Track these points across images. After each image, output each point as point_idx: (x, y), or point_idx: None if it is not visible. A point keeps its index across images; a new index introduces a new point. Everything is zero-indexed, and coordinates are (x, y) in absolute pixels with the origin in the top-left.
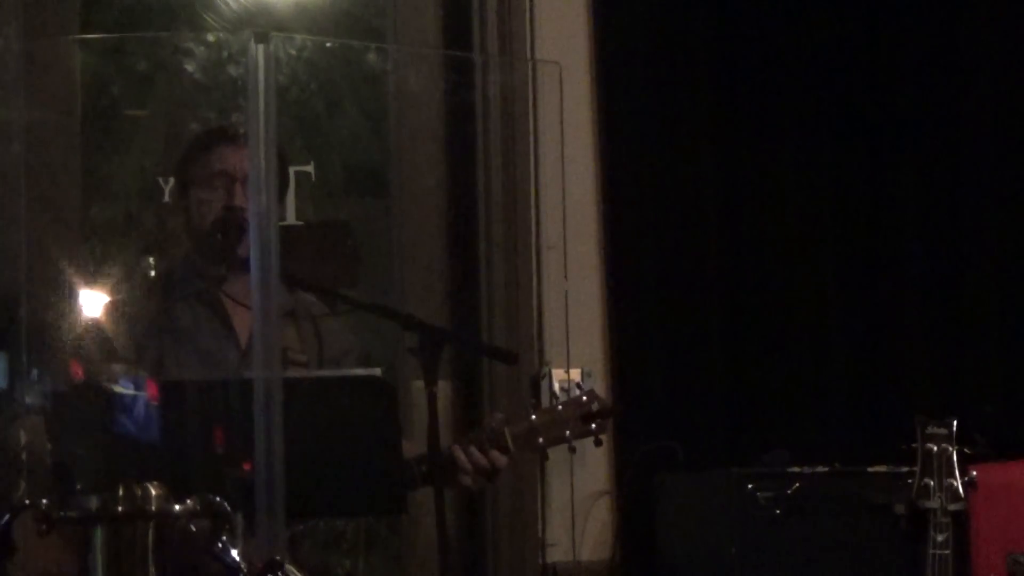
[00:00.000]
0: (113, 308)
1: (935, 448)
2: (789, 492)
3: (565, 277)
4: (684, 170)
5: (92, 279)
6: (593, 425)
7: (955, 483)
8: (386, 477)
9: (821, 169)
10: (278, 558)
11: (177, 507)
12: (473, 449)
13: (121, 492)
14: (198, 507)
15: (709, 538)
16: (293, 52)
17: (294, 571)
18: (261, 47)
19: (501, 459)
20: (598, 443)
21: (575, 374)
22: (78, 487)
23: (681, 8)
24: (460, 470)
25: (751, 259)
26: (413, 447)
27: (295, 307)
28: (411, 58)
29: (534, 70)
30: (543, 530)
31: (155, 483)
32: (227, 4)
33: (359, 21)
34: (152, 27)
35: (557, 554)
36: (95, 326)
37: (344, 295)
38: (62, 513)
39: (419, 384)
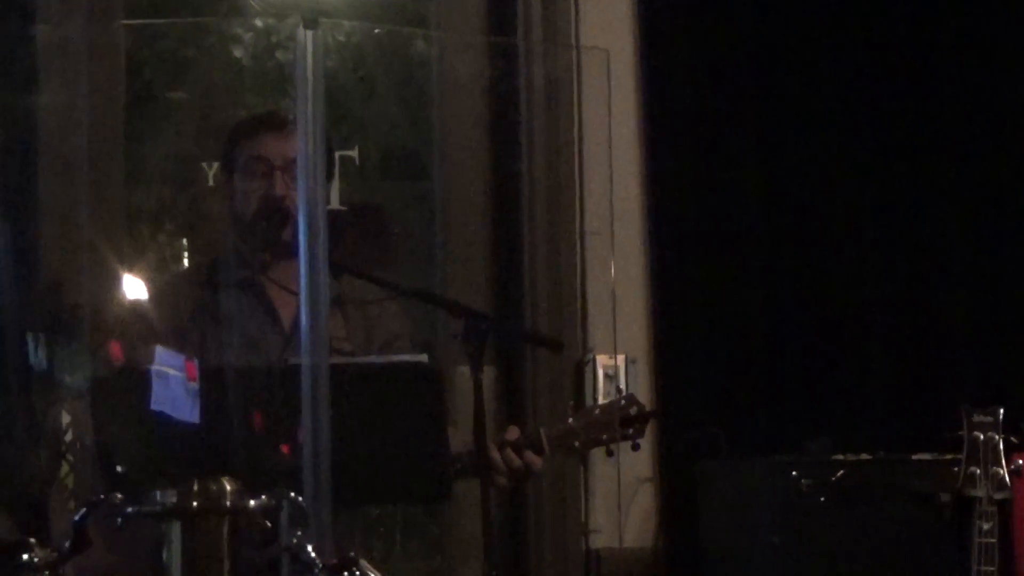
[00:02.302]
0: (157, 293)
1: (981, 436)
2: (833, 480)
3: (611, 263)
4: (728, 157)
5: (136, 264)
6: (631, 429)
7: (1001, 471)
8: (432, 464)
9: (864, 155)
10: (353, 554)
11: (252, 502)
12: (508, 450)
13: (196, 487)
14: (273, 502)
15: (752, 525)
16: (342, 38)
17: (369, 567)
18: (310, 33)
19: (536, 461)
20: (635, 447)
21: (619, 361)
22: (119, 469)
23: None
24: (495, 471)
25: (794, 246)
26: (456, 434)
27: (342, 293)
28: (456, 44)
29: (579, 56)
30: (586, 516)
31: (228, 477)
32: None
33: (401, 7)
34: (195, 11)
35: (600, 540)
36: (138, 310)
37: (390, 282)
38: (137, 508)
39: (462, 370)
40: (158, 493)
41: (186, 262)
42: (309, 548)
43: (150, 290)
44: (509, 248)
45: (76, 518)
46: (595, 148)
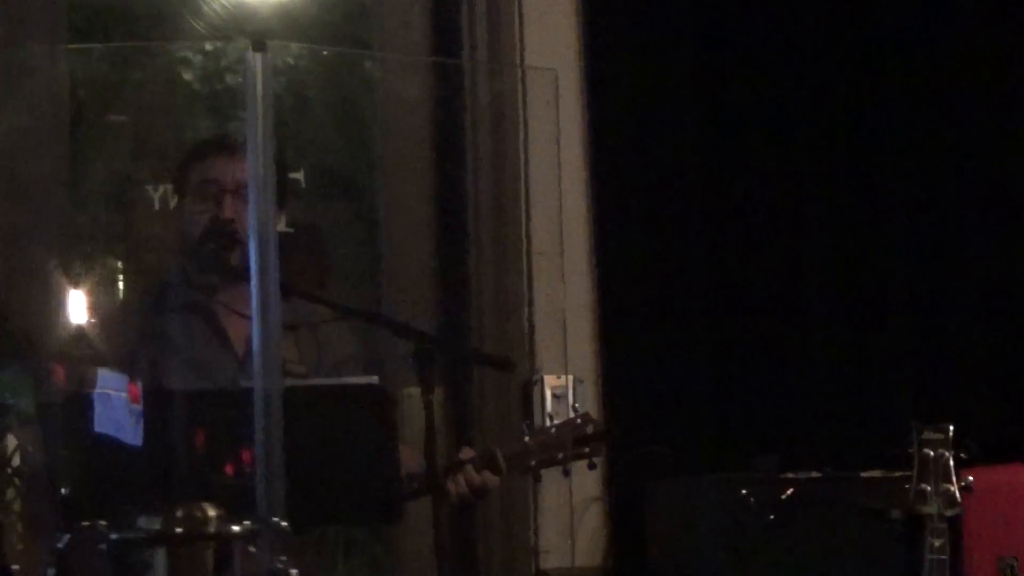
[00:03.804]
0: (106, 317)
1: (932, 453)
2: (782, 498)
3: (562, 284)
4: (674, 176)
5: (83, 288)
6: (587, 448)
7: (952, 488)
8: (383, 485)
9: (810, 175)
10: None
11: (236, 528)
12: (468, 469)
13: (180, 513)
14: (256, 527)
15: (701, 544)
16: (290, 60)
17: None
18: (259, 56)
19: (493, 480)
20: (592, 467)
21: (566, 380)
22: (63, 491)
23: (670, 15)
24: (449, 492)
25: (741, 264)
26: (409, 452)
27: (294, 316)
28: (401, 65)
29: (524, 76)
30: (536, 536)
31: (212, 503)
32: (214, 11)
33: (344, 28)
34: (136, 32)
35: (550, 560)
36: (85, 335)
37: (340, 304)
38: (121, 535)
39: (409, 391)
40: (142, 519)
41: (121, 284)
42: (294, 572)
43: (99, 313)
44: (455, 269)
45: (60, 545)
46: (540, 168)
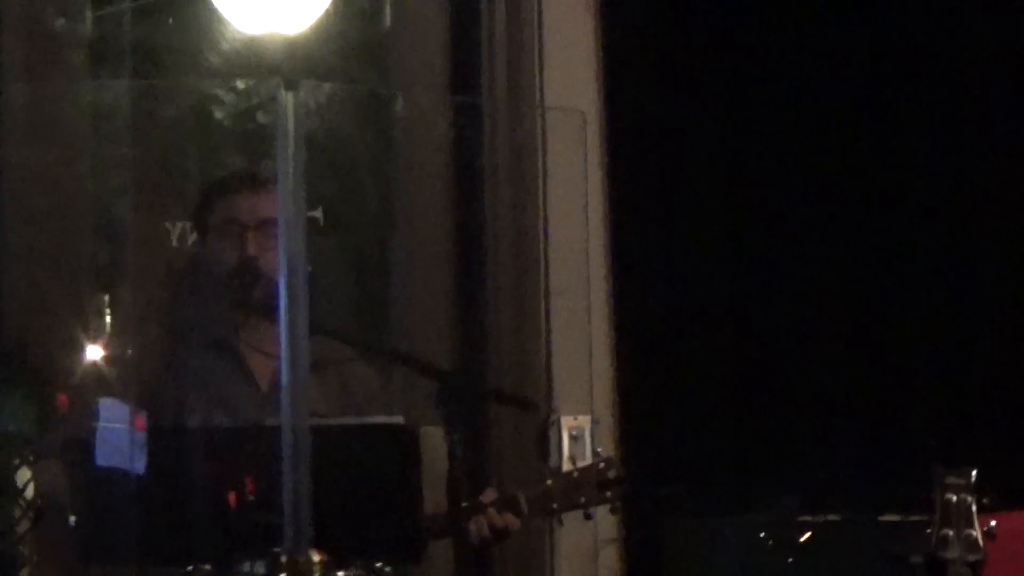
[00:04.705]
0: (121, 352)
1: (954, 498)
2: (801, 540)
3: (588, 324)
4: (693, 216)
5: (100, 322)
6: (609, 492)
7: (974, 533)
8: (405, 525)
9: (834, 213)
10: None
11: (341, 574)
12: (491, 511)
13: (285, 559)
14: (361, 574)
15: None
16: (323, 100)
17: None
18: (291, 94)
19: (514, 522)
20: (614, 511)
21: (584, 420)
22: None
23: (690, 54)
24: (470, 533)
25: (760, 305)
26: (430, 492)
27: (319, 355)
28: (423, 103)
29: (544, 116)
30: None
31: (316, 550)
32: (236, 51)
33: (362, 69)
34: (166, 67)
35: None
36: (106, 372)
37: (363, 342)
38: None
39: (427, 430)
40: (247, 565)
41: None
42: None
43: (115, 349)
44: (474, 308)
45: None
46: (559, 208)
